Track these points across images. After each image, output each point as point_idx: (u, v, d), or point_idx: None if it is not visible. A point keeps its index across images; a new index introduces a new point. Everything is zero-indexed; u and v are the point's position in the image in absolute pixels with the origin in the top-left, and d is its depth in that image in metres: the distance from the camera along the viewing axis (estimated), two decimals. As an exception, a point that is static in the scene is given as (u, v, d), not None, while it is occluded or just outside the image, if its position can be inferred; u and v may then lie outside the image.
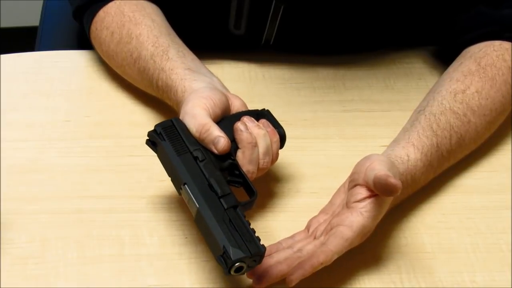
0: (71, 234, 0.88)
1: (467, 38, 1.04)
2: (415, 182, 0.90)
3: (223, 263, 0.77)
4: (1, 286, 0.83)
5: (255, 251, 0.77)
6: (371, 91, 1.09)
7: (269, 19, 1.06)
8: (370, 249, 0.88)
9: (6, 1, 2.05)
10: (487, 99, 0.97)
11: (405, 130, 0.95)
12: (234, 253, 0.77)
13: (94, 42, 1.06)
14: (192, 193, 0.81)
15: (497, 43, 1.02)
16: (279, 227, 0.90)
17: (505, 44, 1.02)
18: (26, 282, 0.84)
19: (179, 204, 0.92)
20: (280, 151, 0.89)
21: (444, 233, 0.90)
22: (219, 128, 0.85)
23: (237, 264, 0.77)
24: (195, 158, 0.84)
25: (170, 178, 0.85)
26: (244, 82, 1.10)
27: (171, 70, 0.94)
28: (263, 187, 0.93)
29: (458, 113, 0.95)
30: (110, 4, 1.03)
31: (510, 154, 1.00)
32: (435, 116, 0.94)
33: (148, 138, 0.86)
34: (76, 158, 0.97)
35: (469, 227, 0.91)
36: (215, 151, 0.85)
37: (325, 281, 0.84)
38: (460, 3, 1.06)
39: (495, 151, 1.01)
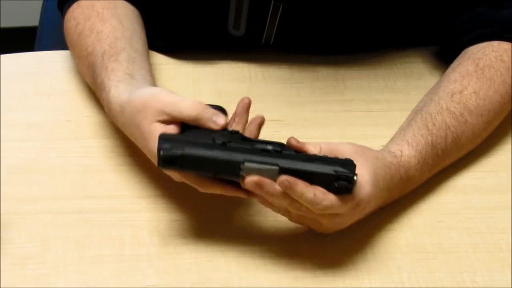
0: (71, 234, 0.88)
1: (467, 38, 1.05)
2: (410, 179, 0.91)
3: (346, 183, 0.79)
4: (1, 286, 0.83)
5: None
6: (371, 91, 1.09)
7: (268, 19, 1.06)
8: (371, 249, 0.88)
9: (6, 1, 2.05)
10: (485, 99, 0.97)
11: (401, 129, 0.96)
12: (348, 168, 0.80)
13: (64, 32, 1.06)
14: (259, 162, 0.79)
15: (495, 43, 1.02)
16: (280, 228, 0.90)
17: (504, 45, 1.02)
18: (26, 282, 0.84)
19: (179, 204, 0.92)
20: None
21: (444, 233, 0.90)
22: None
23: (355, 176, 0.80)
24: (223, 143, 0.81)
25: (215, 176, 0.82)
26: (244, 82, 1.10)
27: (112, 71, 0.93)
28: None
29: (455, 113, 0.96)
30: None
31: (510, 154, 1.00)
32: (431, 115, 0.95)
33: (162, 159, 0.80)
34: (76, 158, 0.97)
35: (469, 227, 0.91)
36: (215, 127, 0.83)
37: (325, 281, 0.84)
38: (460, 3, 1.06)
39: (495, 151, 1.01)
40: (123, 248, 0.87)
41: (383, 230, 0.90)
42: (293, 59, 1.12)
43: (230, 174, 0.81)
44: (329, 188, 0.79)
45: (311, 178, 0.79)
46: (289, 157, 0.80)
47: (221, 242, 0.88)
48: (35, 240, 0.88)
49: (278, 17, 1.06)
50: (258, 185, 0.79)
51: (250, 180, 0.79)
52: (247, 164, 0.79)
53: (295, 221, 0.86)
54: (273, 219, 0.91)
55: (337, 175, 0.79)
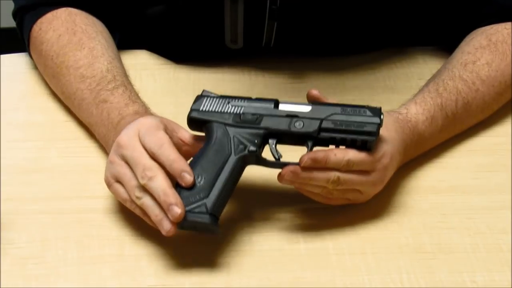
0: (71, 234, 0.88)
1: (478, 22, 1.06)
2: (420, 135, 0.94)
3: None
4: (1, 286, 0.83)
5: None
6: (371, 91, 1.09)
7: (266, 23, 1.06)
8: (371, 249, 0.88)
9: (6, 1, 2.05)
10: (497, 71, 1.01)
11: (412, 95, 0.99)
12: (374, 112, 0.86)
13: (35, 40, 1.05)
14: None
15: (509, 24, 1.05)
16: (280, 227, 0.90)
17: None
18: (26, 282, 0.84)
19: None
20: (281, 152, 0.88)
21: (444, 233, 0.90)
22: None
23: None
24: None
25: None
26: (244, 82, 1.10)
27: (124, 92, 0.96)
28: (264, 187, 0.93)
29: (467, 80, 0.99)
30: (61, 9, 1.05)
31: (510, 154, 1.00)
32: (443, 81, 0.99)
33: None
34: (76, 158, 0.97)
35: (469, 227, 0.91)
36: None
37: (325, 281, 0.84)
38: (462, 3, 1.07)
39: (495, 151, 1.01)
40: (123, 248, 0.87)
41: (383, 230, 0.90)
42: (293, 59, 1.12)
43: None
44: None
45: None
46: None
47: (221, 242, 0.88)
48: (35, 240, 0.88)
49: (275, 28, 1.06)
50: (294, 173, 0.84)
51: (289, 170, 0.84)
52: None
53: (337, 200, 0.88)
54: (273, 218, 0.91)
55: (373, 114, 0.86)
